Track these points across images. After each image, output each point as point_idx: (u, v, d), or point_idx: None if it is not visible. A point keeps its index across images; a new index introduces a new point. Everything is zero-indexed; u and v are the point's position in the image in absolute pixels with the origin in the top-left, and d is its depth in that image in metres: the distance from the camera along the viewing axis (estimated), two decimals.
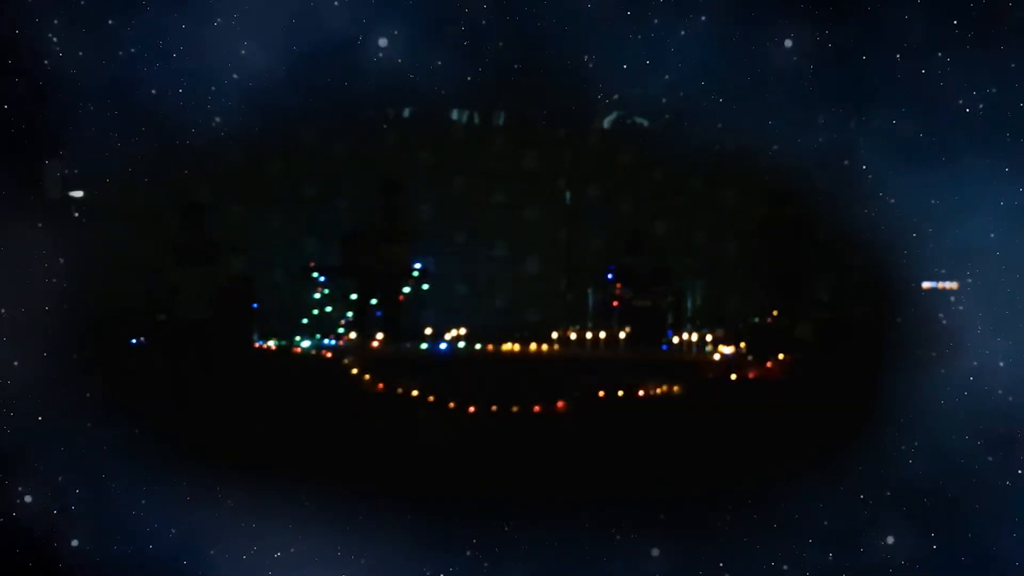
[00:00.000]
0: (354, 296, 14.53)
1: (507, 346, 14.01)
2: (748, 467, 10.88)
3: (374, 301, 14.46)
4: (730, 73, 12.06)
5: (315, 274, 14.72)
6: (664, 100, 13.36)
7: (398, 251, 14.49)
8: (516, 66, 13.53)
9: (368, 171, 16.04)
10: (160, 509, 10.04)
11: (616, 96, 15.27)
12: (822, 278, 14.18)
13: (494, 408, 11.75)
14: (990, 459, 10.37)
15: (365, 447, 11.06)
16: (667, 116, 12.54)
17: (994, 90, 10.60)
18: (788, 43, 11.58)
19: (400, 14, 11.65)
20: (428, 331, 14.48)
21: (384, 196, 14.65)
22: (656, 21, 11.75)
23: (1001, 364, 10.46)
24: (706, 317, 14.94)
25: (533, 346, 13.99)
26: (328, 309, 14.70)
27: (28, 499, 9.88)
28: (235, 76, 11.11)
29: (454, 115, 17.33)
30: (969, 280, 10.98)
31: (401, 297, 14.65)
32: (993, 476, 10.34)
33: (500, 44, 13.41)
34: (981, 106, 10.66)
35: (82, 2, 10.46)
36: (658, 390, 12.25)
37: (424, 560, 9.99)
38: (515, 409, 11.76)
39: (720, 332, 14.21)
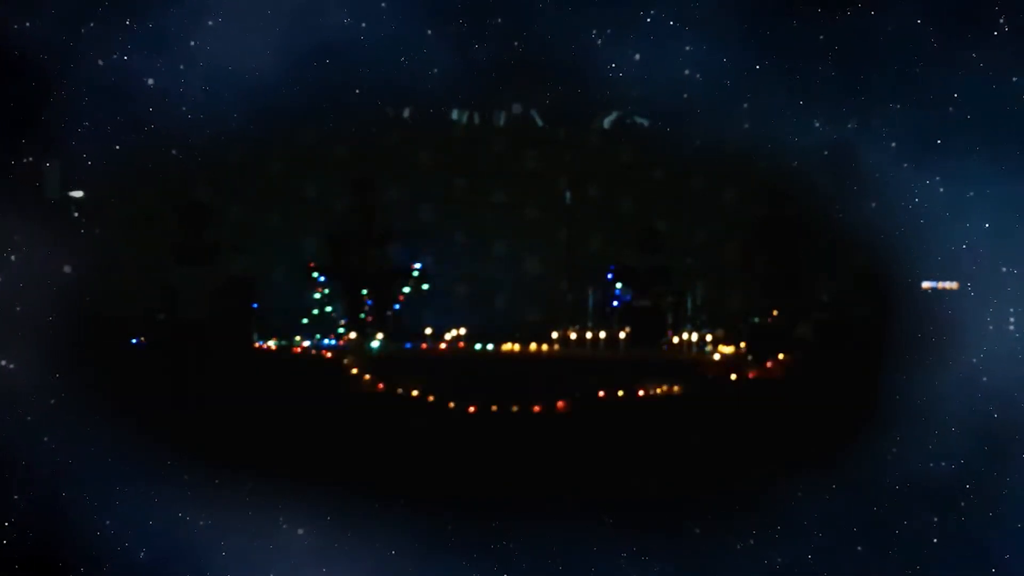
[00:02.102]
0: (348, 296, 14.57)
1: (507, 346, 14.01)
2: (748, 467, 10.88)
3: (370, 302, 14.48)
4: (730, 72, 12.06)
5: (315, 274, 14.73)
6: (665, 98, 13.36)
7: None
8: (517, 55, 13.50)
9: (368, 171, 16.03)
10: (160, 509, 10.04)
11: (616, 95, 15.27)
12: (822, 278, 14.19)
13: (494, 408, 11.76)
14: (991, 459, 10.37)
15: (365, 447, 11.06)
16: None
17: (995, 89, 10.60)
18: (787, 42, 11.58)
19: (400, 14, 11.65)
20: (428, 331, 14.49)
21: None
22: (656, 20, 11.75)
23: (1001, 364, 10.46)
24: (706, 317, 14.94)
25: (533, 346, 13.99)
26: (328, 309, 14.71)
27: (28, 499, 9.88)
28: (235, 76, 11.11)
29: (454, 115, 17.34)
30: (969, 282, 10.98)
31: (401, 297, 14.66)
32: (994, 476, 10.35)
33: (500, 44, 13.41)
34: (982, 105, 10.66)
35: (81, 2, 10.46)
36: (658, 390, 12.25)
37: (424, 560, 9.98)
38: (515, 409, 11.76)
39: (720, 332, 14.21)
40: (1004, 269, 10.60)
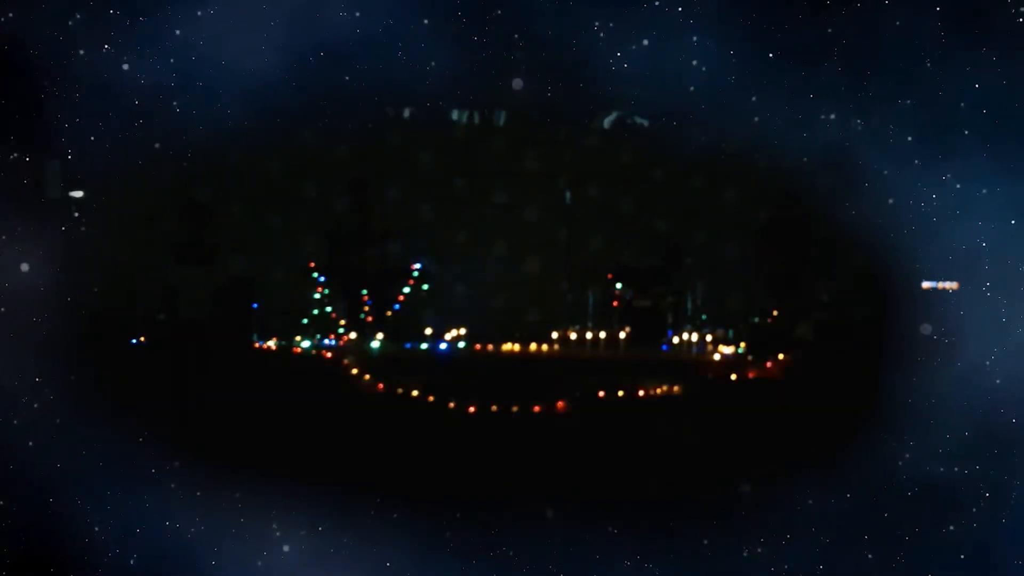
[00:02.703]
0: (347, 296, 14.60)
1: (507, 346, 14.01)
2: (748, 467, 10.88)
3: (370, 302, 14.50)
4: (730, 72, 12.06)
5: (315, 274, 14.74)
6: (665, 98, 13.36)
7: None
8: (517, 54, 13.50)
9: (368, 171, 16.03)
10: (160, 509, 10.04)
11: (616, 96, 15.27)
12: (822, 278, 14.18)
13: (494, 408, 11.75)
14: (990, 459, 10.37)
15: (365, 447, 11.06)
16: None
17: (996, 89, 10.59)
18: (789, 41, 11.57)
19: (400, 14, 11.65)
20: (428, 331, 14.49)
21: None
22: (657, 20, 11.74)
23: (1001, 364, 10.46)
24: (706, 317, 14.93)
25: (533, 346, 13.98)
26: (328, 309, 14.71)
27: (27, 498, 9.88)
28: (235, 76, 11.11)
29: (454, 115, 17.33)
30: (971, 281, 10.97)
31: (401, 297, 14.67)
32: (993, 475, 10.34)
33: (500, 43, 13.41)
34: (983, 105, 10.66)
35: (82, 2, 10.46)
36: (658, 390, 12.25)
37: (424, 560, 9.98)
38: (515, 409, 11.76)
39: (720, 332, 14.21)
40: (1004, 269, 10.59)
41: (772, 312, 13.79)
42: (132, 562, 9.85)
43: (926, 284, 11.64)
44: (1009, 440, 10.35)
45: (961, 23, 10.66)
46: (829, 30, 11.47)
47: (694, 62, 11.85)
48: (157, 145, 12.00)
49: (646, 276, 14.93)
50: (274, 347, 13.44)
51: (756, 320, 13.72)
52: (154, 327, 12.90)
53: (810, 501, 10.33)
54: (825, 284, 14.12)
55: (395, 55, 12.27)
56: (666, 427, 11.67)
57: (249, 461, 10.43)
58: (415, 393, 11.97)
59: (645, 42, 11.97)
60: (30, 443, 9.98)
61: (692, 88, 12.44)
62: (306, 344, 13.63)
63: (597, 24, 12.12)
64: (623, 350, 13.97)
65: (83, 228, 12.13)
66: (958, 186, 10.68)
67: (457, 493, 10.58)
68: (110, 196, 12.77)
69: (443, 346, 14.15)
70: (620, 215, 17.10)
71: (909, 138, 11.08)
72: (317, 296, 14.77)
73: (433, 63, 12.94)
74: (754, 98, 12.56)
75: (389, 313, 14.71)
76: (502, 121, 17.47)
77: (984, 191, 10.55)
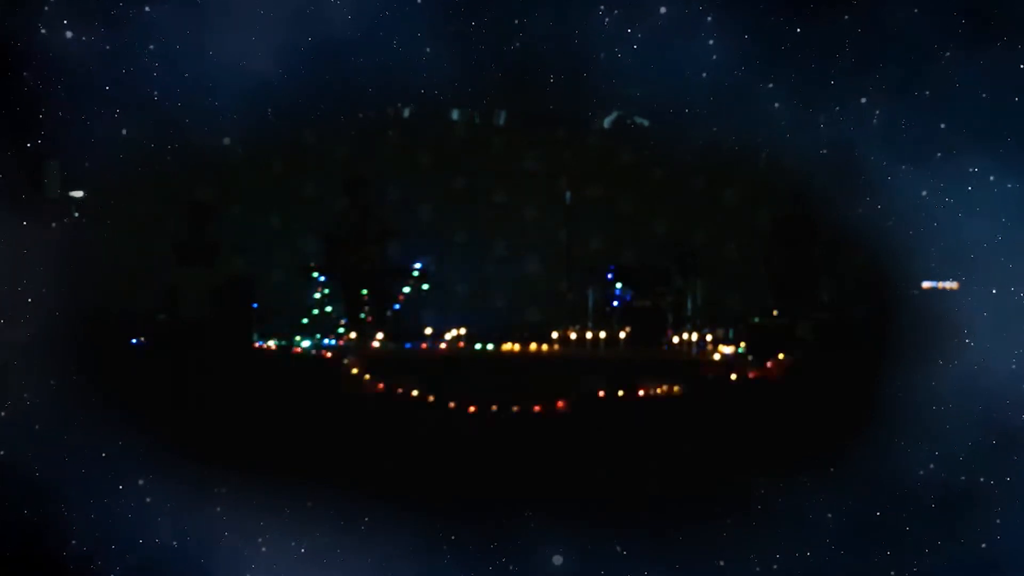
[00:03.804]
0: (346, 296, 14.60)
1: (507, 346, 14.01)
2: (747, 466, 10.88)
3: (369, 301, 14.51)
4: (730, 72, 12.06)
5: (315, 274, 14.75)
6: (665, 98, 13.37)
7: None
8: (518, 53, 13.51)
9: (368, 171, 16.03)
10: (160, 508, 10.04)
11: (616, 97, 15.28)
12: (823, 278, 14.19)
13: (494, 408, 11.75)
14: (990, 458, 10.37)
15: (365, 447, 11.06)
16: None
17: (1000, 88, 10.59)
18: (788, 43, 11.58)
19: (401, 15, 11.65)
20: (428, 331, 14.49)
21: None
22: (658, 21, 11.74)
23: (1000, 364, 10.46)
24: (706, 317, 14.94)
25: (533, 346, 13.99)
26: (328, 309, 14.71)
27: (28, 498, 9.89)
28: (236, 77, 11.11)
29: (454, 115, 17.33)
30: (973, 281, 10.98)
31: (401, 297, 14.67)
32: (993, 475, 10.34)
33: (502, 44, 13.41)
34: (987, 104, 10.66)
35: (82, 3, 10.46)
36: (658, 390, 12.25)
37: (424, 559, 9.98)
38: (515, 409, 11.76)
39: (720, 332, 14.22)
40: (1004, 269, 10.59)
41: (772, 312, 13.79)
42: (131, 562, 9.86)
43: (926, 284, 11.65)
44: (1009, 440, 10.36)
45: (966, 24, 10.67)
46: (828, 31, 11.47)
47: (694, 62, 11.85)
48: (158, 145, 12.01)
49: (646, 276, 14.93)
50: (274, 347, 13.44)
51: (756, 320, 13.72)
52: (154, 327, 12.91)
53: (809, 500, 10.33)
54: (826, 284, 14.12)
55: (395, 55, 12.27)
56: (666, 427, 11.67)
57: (248, 460, 10.43)
58: (415, 393, 11.96)
59: (646, 41, 11.97)
60: (30, 441, 9.98)
61: (692, 88, 12.44)
62: (306, 344, 13.63)
63: (597, 23, 12.12)
64: (623, 350, 13.98)
65: (83, 228, 12.14)
66: (962, 186, 10.68)
67: (458, 493, 10.58)
68: (110, 196, 12.78)
69: (443, 346, 14.16)
70: (620, 215, 17.09)
71: (911, 138, 11.09)
72: (317, 296, 14.77)
73: (433, 62, 12.94)
74: (754, 98, 12.56)
75: (389, 313, 14.71)
76: (502, 121, 17.47)
77: (987, 191, 10.55)
